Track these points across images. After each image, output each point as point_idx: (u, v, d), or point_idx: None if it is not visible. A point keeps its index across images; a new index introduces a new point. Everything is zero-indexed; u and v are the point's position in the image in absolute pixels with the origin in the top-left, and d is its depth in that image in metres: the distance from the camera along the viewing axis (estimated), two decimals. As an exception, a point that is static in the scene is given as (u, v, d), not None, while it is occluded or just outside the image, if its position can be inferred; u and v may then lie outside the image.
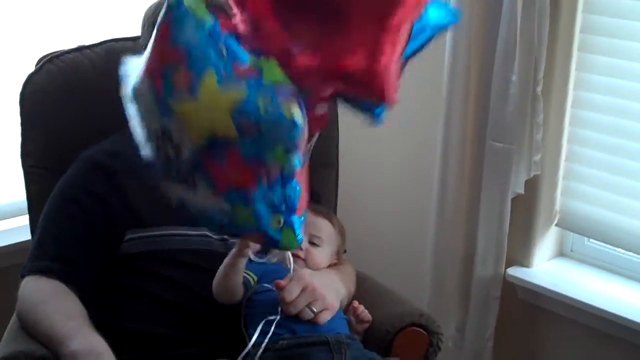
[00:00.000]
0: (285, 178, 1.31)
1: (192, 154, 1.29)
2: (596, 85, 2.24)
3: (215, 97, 1.25)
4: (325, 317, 1.66)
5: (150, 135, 1.34)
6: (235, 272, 1.65)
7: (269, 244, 1.37)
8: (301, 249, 1.67)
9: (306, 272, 1.69)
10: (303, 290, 1.64)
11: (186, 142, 1.29)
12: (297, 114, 1.25)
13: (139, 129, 1.36)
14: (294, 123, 1.25)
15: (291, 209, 1.33)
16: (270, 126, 1.25)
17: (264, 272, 1.72)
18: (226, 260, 1.65)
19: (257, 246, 1.57)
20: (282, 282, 1.64)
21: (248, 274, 1.70)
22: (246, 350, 1.60)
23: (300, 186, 1.33)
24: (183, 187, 1.35)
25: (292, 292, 1.63)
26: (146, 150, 1.36)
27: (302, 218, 1.36)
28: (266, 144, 1.26)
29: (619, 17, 2.16)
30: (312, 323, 1.65)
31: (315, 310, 1.64)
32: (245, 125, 1.24)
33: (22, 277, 1.71)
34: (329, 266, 1.80)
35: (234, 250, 1.64)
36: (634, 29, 2.14)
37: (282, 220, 1.33)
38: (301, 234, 1.37)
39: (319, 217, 1.81)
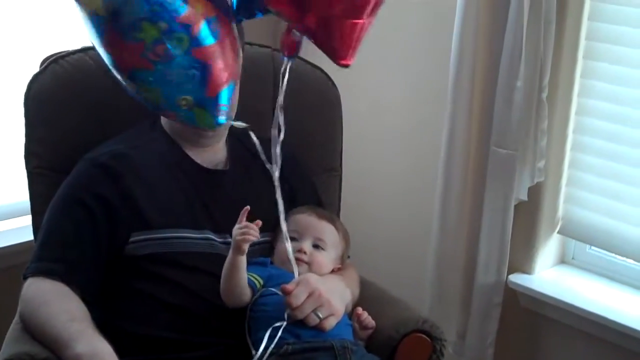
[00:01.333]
0: (176, 56, 1.30)
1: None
2: (600, 92, 2.25)
3: None
4: (330, 323, 1.66)
5: None
6: (237, 271, 1.65)
7: (187, 124, 1.38)
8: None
9: (312, 277, 1.69)
10: (309, 295, 1.64)
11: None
12: None
13: None
14: None
15: (198, 89, 1.32)
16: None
17: (269, 276, 1.71)
18: (227, 260, 1.66)
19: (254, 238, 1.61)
20: (289, 287, 1.63)
21: (253, 276, 1.69)
22: (257, 356, 1.59)
23: (210, 64, 1.31)
24: None
25: (299, 297, 1.63)
26: None
27: (220, 98, 1.36)
28: (130, 22, 1.29)
29: (624, 25, 2.17)
30: (318, 329, 1.64)
31: (321, 316, 1.64)
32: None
33: (25, 278, 1.70)
34: (333, 271, 1.80)
35: (231, 249, 1.64)
36: (639, 37, 2.15)
37: (189, 100, 1.32)
38: (220, 115, 1.36)
39: (323, 221, 1.81)
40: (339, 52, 1.33)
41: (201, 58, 1.32)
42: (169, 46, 1.30)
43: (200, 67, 1.32)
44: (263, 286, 1.70)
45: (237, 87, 1.45)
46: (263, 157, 1.60)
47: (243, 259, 1.65)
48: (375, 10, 1.35)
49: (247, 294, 1.68)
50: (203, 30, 1.30)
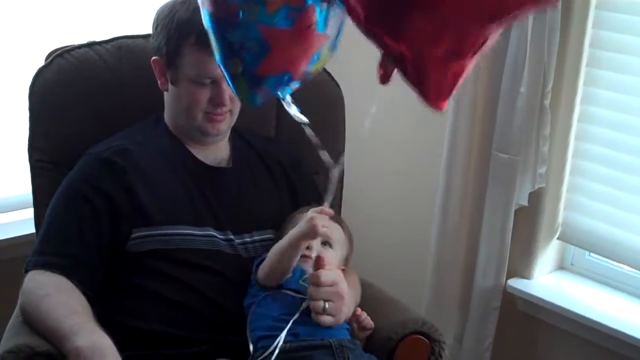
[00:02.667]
0: (244, 24, 1.30)
1: None
2: (603, 100, 2.25)
3: None
4: (328, 321, 1.65)
5: None
6: (295, 254, 1.67)
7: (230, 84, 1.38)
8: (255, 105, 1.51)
9: (342, 276, 1.69)
10: (332, 285, 1.65)
11: None
12: None
13: None
14: None
15: (250, 62, 1.32)
16: None
17: None
18: (286, 240, 1.67)
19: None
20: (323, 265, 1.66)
21: None
22: (271, 349, 1.60)
23: (269, 45, 1.30)
24: None
25: (329, 277, 1.64)
26: None
27: (266, 82, 1.35)
28: None
29: (628, 34, 2.17)
30: (315, 319, 1.64)
31: (327, 308, 1.64)
32: None
33: (27, 271, 1.70)
34: (337, 271, 1.80)
35: (301, 231, 1.66)
36: (643, 47, 2.16)
37: (239, 67, 1.33)
38: (259, 96, 1.35)
39: (331, 222, 1.81)
40: (430, 95, 1.21)
41: (264, 35, 1.31)
42: (240, 12, 1.31)
43: (260, 42, 1.32)
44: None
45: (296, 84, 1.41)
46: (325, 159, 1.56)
47: (306, 244, 1.69)
48: (482, 49, 1.20)
49: (289, 275, 1.71)
50: (278, 12, 1.29)
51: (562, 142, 2.30)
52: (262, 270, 1.71)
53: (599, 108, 2.27)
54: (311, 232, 1.64)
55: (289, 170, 1.96)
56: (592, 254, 2.43)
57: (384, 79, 1.28)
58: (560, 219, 2.38)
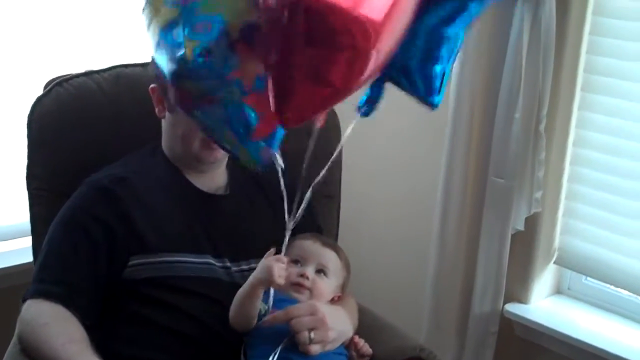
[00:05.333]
0: (229, 105, 1.35)
1: None
2: (597, 125, 2.27)
3: None
4: (316, 350, 1.64)
5: None
6: (257, 300, 1.66)
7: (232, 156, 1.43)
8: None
9: (320, 304, 1.69)
10: (312, 314, 1.64)
11: None
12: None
13: None
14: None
15: (245, 132, 1.37)
16: None
17: (273, 302, 1.72)
18: (246, 288, 1.66)
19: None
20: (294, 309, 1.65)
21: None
22: None
23: (254, 112, 1.35)
24: None
25: (301, 309, 1.64)
26: None
27: (261, 144, 1.39)
28: None
29: (622, 59, 2.19)
30: (303, 350, 1.63)
31: (312, 337, 1.63)
32: None
33: (25, 300, 1.71)
34: (333, 299, 1.80)
35: (255, 279, 1.64)
36: (637, 70, 2.17)
37: (234, 138, 1.39)
38: (262, 157, 1.41)
39: (327, 249, 1.82)
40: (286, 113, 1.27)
41: (251, 105, 1.35)
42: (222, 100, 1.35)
43: (248, 113, 1.36)
44: (266, 313, 1.70)
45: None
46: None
47: (262, 290, 1.66)
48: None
49: (254, 319, 1.69)
50: (254, 82, 1.33)
51: (557, 166, 2.31)
52: (230, 316, 1.70)
53: (593, 132, 2.28)
54: (267, 280, 1.63)
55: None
56: (589, 278, 2.44)
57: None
58: (556, 243, 2.39)
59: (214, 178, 1.91)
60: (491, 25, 2.23)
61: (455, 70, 2.25)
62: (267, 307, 1.69)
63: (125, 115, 1.99)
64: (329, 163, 1.53)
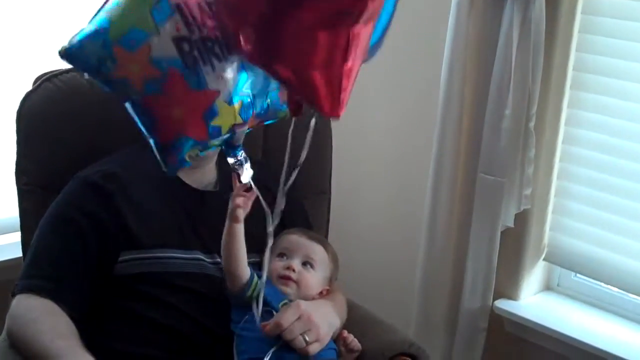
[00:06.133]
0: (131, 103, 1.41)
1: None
2: (587, 122, 2.28)
3: None
4: (315, 349, 1.66)
5: None
6: (235, 240, 1.67)
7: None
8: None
9: (302, 303, 1.70)
10: (298, 318, 1.65)
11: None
12: None
13: None
14: None
15: (149, 134, 1.41)
16: None
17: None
18: (224, 233, 1.67)
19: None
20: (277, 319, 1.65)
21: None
22: None
23: (155, 116, 1.39)
24: None
25: (288, 318, 1.64)
26: None
27: (171, 150, 1.41)
28: None
29: (612, 57, 2.20)
30: (302, 352, 1.64)
31: (307, 339, 1.64)
32: None
33: (14, 295, 1.70)
34: (321, 293, 1.80)
35: (227, 218, 1.66)
36: (626, 68, 2.18)
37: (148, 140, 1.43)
38: (169, 165, 1.42)
39: (313, 242, 1.82)
40: (324, 105, 1.26)
41: (145, 105, 1.38)
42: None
43: (146, 113, 1.40)
44: (257, 285, 1.69)
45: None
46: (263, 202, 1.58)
47: (240, 227, 1.67)
48: (365, 51, 1.28)
49: (247, 273, 1.69)
50: (145, 84, 1.37)
51: (547, 163, 2.32)
52: (226, 279, 1.71)
53: (583, 130, 2.29)
54: (232, 214, 1.65)
55: (275, 193, 1.96)
56: (578, 274, 2.45)
57: (296, 111, 1.38)
58: (546, 240, 2.40)
59: (203, 174, 1.91)
60: (481, 22, 2.23)
61: (445, 66, 2.26)
62: (262, 284, 1.66)
63: (115, 110, 1.96)
64: (301, 159, 1.50)
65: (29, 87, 1.98)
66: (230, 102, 1.42)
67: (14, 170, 1.95)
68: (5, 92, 2.25)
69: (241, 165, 1.52)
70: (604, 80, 2.23)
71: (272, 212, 1.55)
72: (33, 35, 2.31)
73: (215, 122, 1.42)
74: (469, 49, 2.25)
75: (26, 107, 1.94)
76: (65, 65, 1.99)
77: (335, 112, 1.26)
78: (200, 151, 1.47)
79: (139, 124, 1.43)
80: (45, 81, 1.97)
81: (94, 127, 1.96)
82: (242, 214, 1.66)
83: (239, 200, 1.65)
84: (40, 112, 1.95)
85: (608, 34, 2.19)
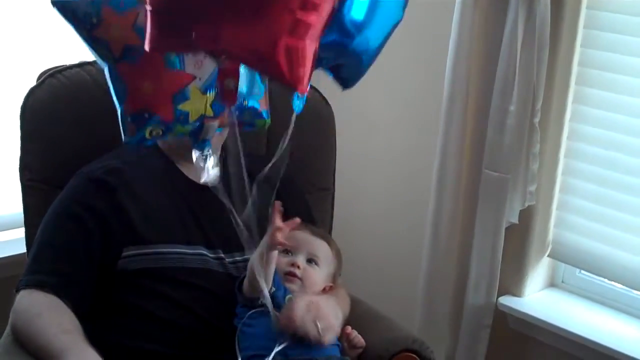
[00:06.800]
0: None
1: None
2: (592, 118, 2.27)
3: None
4: (329, 338, 1.65)
5: None
6: (269, 266, 1.66)
7: None
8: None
9: (308, 294, 1.70)
10: (307, 307, 1.64)
11: None
12: None
13: None
14: None
15: (119, 102, 1.47)
16: None
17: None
18: (258, 255, 1.64)
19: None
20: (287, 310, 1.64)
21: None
22: None
23: (126, 84, 1.43)
24: None
25: (299, 309, 1.63)
26: None
27: (132, 119, 1.45)
28: None
29: (616, 53, 2.19)
30: (317, 342, 1.63)
31: (320, 325, 1.63)
32: None
33: (18, 290, 1.71)
34: (324, 289, 1.80)
35: (264, 242, 1.64)
36: (631, 64, 2.18)
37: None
38: (127, 135, 1.47)
39: (317, 238, 1.82)
40: (285, 77, 1.18)
41: (119, 73, 1.42)
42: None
43: (119, 81, 1.44)
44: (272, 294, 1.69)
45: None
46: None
47: (275, 252, 1.67)
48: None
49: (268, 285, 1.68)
50: (124, 51, 1.40)
51: (551, 159, 2.31)
52: (245, 286, 1.70)
53: (588, 126, 2.28)
54: (272, 244, 1.64)
55: (280, 189, 1.96)
56: (582, 271, 2.44)
57: (228, 97, 1.36)
58: (550, 236, 2.40)
59: (207, 169, 1.90)
60: (486, 18, 2.23)
61: (450, 62, 2.25)
62: (273, 289, 1.68)
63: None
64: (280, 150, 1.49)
65: (33, 83, 1.98)
66: (204, 92, 1.42)
67: (18, 166, 1.95)
68: (9, 88, 2.25)
69: (205, 160, 1.51)
70: (608, 76, 2.23)
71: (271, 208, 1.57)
72: (37, 31, 2.30)
73: (183, 107, 1.42)
74: (473, 44, 2.24)
75: (30, 103, 1.94)
76: (69, 61, 2.02)
77: (301, 89, 1.20)
78: (164, 133, 1.47)
79: (112, 90, 1.45)
80: (49, 77, 1.97)
81: (97, 123, 1.95)
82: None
83: (279, 237, 1.63)
84: (44, 108, 1.95)
85: (613, 30, 2.19)
